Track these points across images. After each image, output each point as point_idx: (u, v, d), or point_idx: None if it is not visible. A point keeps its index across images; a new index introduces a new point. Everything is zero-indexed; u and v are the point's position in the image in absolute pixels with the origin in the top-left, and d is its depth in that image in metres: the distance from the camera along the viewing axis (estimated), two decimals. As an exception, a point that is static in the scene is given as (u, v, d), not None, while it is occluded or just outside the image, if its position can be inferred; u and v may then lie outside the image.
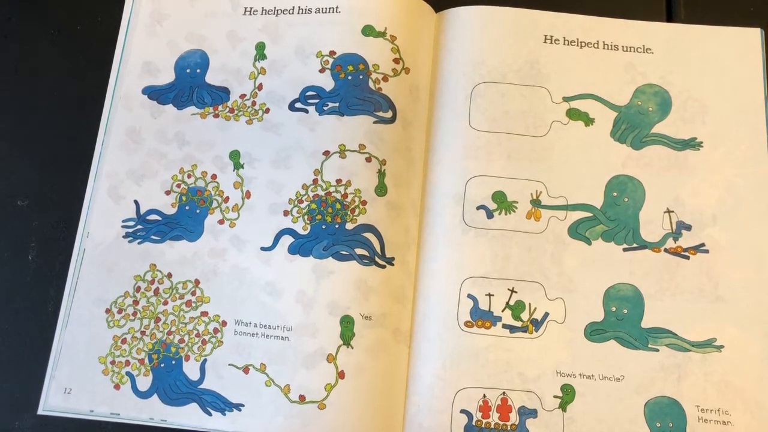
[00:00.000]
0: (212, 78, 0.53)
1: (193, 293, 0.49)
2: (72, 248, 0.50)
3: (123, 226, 0.50)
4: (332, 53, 0.52)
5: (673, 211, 0.49)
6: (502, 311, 0.48)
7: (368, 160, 0.49)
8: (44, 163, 0.53)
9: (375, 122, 0.50)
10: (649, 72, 0.52)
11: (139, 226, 0.50)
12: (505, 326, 0.47)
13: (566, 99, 0.52)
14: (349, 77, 0.51)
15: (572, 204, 0.50)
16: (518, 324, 0.47)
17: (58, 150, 0.53)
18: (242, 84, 0.52)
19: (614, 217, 0.49)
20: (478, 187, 0.50)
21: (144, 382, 0.48)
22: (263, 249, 0.49)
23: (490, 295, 0.48)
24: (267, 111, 0.51)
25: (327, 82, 0.51)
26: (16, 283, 0.50)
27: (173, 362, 0.48)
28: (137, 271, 0.49)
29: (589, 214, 0.49)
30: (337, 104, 0.50)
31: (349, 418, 0.45)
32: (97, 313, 0.49)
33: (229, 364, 0.47)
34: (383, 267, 0.48)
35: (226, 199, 0.50)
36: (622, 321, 0.47)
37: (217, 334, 0.48)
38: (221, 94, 0.52)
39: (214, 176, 0.51)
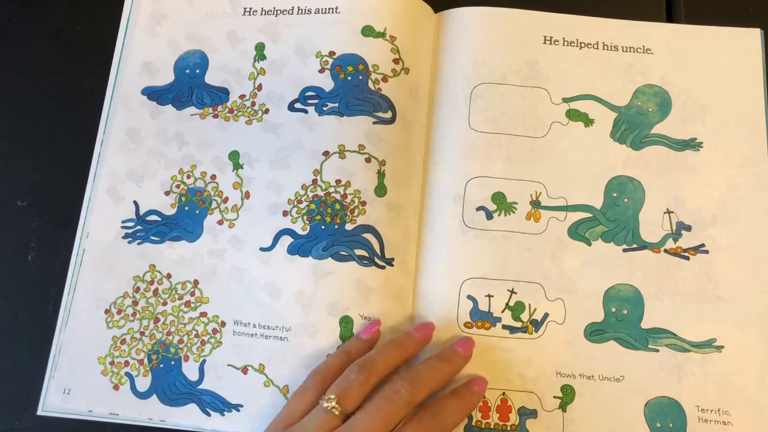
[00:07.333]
0: (212, 78, 0.53)
1: (192, 294, 0.49)
2: (72, 249, 0.50)
3: (122, 227, 0.50)
4: (332, 53, 0.52)
5: (672, 212, 0.49)
6: (502, 312, 0.48)
7: (368, 160, 0.49)
8: (44, 163, 0.53)
9: (374, 123, 0.50)
10: (649, 72, 0.52)
11: (138, 227, 0.50)
12: (504, 327, 0.47)
13: (566, 100, 0.51)
14: (349, 77, 0.51)
15: (572, 205, 0.50)
16: (518, 325, 0.47)
17: (58, 150, 0.53)
18: (242, 84, 0.52)
19: (614, 217, 0.49)
20: (478, 188, 0.50)
21: (143, 383, 0.48)
22: (262, 249, 0.49)
23: (489, 296, 0.48)
24: (266, 111, 0.51)
25: (326, 83, 0.51)
26: (16, 283, 0.50)
27: (172, 363, 0.48)
28: (137, 272, 0.49)
29: (589, 215, 0.49)
30: (336, 104, 0.50)
31: (349, 418, 0.45)
32: (96, 313, 0.49)
33: (228, 365, 0.47)
34: (383, 268, 0.48)
35: (226, 200, 0.50)
36: (622, 321, 0.47)
37: (216, 334, 0.48)
38: (221, 94, 0.52)
39: (213, 177, 0.51)
